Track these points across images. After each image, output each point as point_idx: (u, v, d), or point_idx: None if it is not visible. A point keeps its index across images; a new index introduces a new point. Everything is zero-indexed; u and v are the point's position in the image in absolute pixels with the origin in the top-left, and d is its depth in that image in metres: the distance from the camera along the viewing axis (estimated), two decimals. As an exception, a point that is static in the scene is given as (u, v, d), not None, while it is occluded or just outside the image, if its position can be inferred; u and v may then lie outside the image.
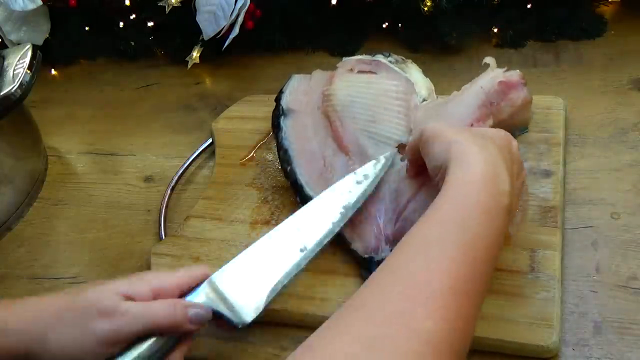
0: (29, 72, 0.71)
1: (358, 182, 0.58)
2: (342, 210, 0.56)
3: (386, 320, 0.36)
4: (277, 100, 0.70)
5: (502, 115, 0.59)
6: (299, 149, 0.66)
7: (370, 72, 0.68)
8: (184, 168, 0.75)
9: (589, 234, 0.58)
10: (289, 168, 0.65)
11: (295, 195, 0.64)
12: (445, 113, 0.61)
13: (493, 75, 0.60)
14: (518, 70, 0.62)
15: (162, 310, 0.46)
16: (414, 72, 0.68)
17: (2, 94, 0.69)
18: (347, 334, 0.36)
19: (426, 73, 0.69)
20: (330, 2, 0.87)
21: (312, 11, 0.90)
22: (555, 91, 0.72)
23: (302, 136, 0.67)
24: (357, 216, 0.59)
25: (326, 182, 0.62)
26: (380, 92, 0.66)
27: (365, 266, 0.57)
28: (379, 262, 0.56)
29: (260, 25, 0.88)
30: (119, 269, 0.67)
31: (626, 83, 0.73)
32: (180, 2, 0.88)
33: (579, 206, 0.61)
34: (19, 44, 0.90)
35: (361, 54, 0.71)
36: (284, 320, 0.57)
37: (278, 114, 0.69)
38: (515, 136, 0.59)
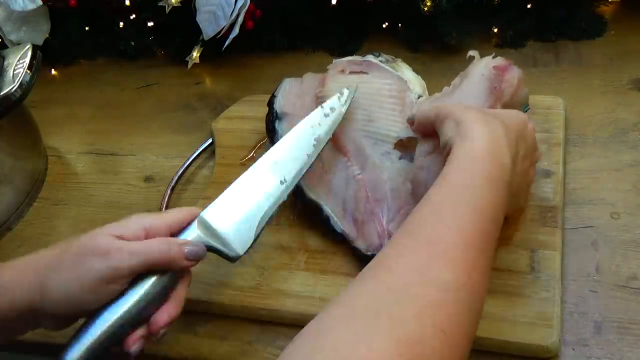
0: (29, 72, 0.71)
1: (326, 115, 0.61)
2: (315, 142, 0.60)
3: (406, 271, 0.38)
4: (270, 104, 0.70)
5: (505, 97, 0.59)
6: None
7: (361, 72, 0.68)
8: (184, 168, 0.75)
9: (589, 234, 0.58)
10: None
11: (295, 198, 0.64)
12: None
13: (485, 62, 0.60)
14: (499, 56, 0.62)
15: (157, 247, 0.47)
16: (405, 71, 0.68)
17: (2, 94, 0.69)
18: (370, 283, 0.38)
19: (426, 73, 0.69)
20: (330, 2, 0.87)
21: (312, 11, 0.90)
22: (555, 91, 0.72)
23: None
24: (360, 215, 0.59)
25: (325, 184, 0.62)
26: (374, 91, 0.66)
27: (367, 263, 0.57)
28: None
29: (260, 25, 0.88)
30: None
31: (626, 83, 0.73)
32: (180, 2, 0.88)
33: (579, 206, 0.61)
34: (19, 44, 0.90)
35: (361, 54, 0.71)
36: (283, 320, 0.57)
37: (272, 117, 0.68)
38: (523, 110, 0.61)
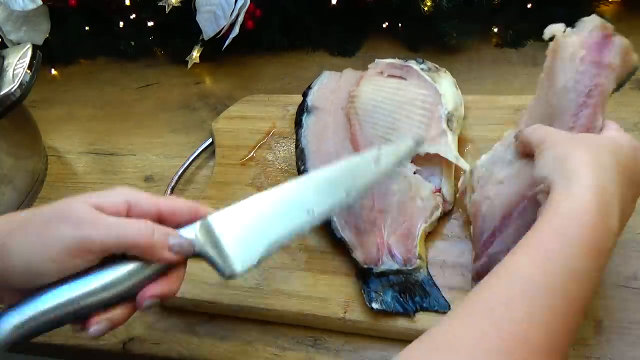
0: (29, 72, 0.71)
1: (376, 162, 0.52)
2: (358, 185, 0.50)
3: None
4: (304, 95, 0.69)
5: (609, 87, 0.48)
6: (315, 150, 0.65)
7: (400, 77, 0.67)
8: (184, 168, 0.75)
9: (589, 234, 0.58)
10: (302, 167, 0.64)
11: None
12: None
13: (571, 53, 0.49)
14: (595, 17, 0.51)
15: (138, 227, 0.42)
16: (445, 83, 0.66)
17: (2, 94, 0.69)
18: None
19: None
20: (330, 2, 0.87)
21: (312, 11, 0.90)
22: (555, 91, 0.72)
23: (320, 136, 0.66)
24: (362, 224, 0.58)
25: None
26: (406, 100, 0.64)
27: (362, 276, 0.55)
28: (377, 274, 0.55)
29: (260, 25, 0.88)
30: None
31: (626, 83, 0.73)
32: (180, 2, 0.88)
33: (579, 206, 0.60)
34: (19, 44, 0.90)
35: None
36: (284, 320, 0.57)
37: (302, 109, 0.68)
38: (624, 83, 0.50)
